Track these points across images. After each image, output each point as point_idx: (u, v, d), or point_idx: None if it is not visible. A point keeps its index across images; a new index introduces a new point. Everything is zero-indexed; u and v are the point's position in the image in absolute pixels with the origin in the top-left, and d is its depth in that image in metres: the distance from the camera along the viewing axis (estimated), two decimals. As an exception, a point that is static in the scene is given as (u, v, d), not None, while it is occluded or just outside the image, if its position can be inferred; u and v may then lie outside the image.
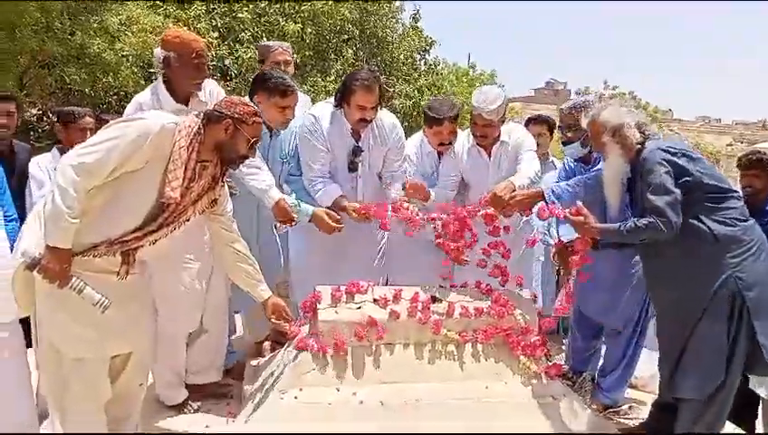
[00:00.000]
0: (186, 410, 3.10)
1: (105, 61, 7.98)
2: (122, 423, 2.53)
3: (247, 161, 2.64)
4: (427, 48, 15.33)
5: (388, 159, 3.60)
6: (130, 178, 2.22)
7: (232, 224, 2.67)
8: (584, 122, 2.88)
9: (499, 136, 3.67)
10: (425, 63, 15.55)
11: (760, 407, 3.20)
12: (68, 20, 7.82)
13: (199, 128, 2.33)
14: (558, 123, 3.73)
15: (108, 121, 3.70)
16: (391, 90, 12.55)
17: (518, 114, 21.25)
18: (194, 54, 2.95)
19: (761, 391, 3.06)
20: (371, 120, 3.42)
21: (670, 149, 2.57)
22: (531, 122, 4.92)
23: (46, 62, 8.41)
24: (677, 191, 2.51)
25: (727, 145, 34.64)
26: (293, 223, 3.26)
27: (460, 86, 21.33)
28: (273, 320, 2.75)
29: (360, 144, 3.49)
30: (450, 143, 3.73)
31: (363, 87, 3.28)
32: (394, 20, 14.01)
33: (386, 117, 3.56)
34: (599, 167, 3.12)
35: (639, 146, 2.67)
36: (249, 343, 3.74)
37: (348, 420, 2.52)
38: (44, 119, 10.82)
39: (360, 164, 3.53)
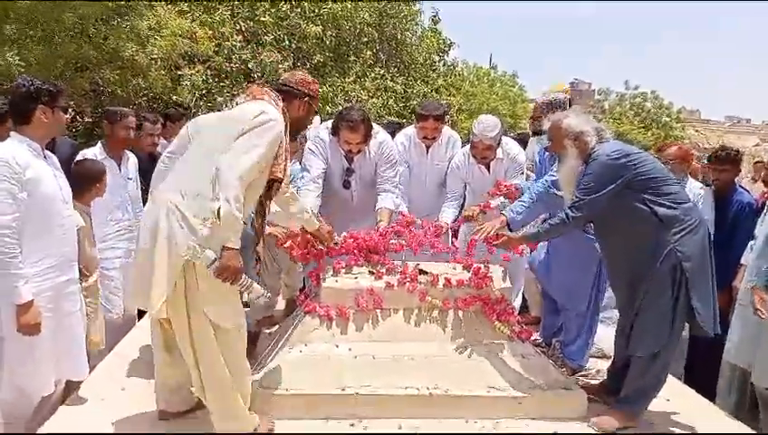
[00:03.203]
0: None
1: (136, 63, 8.42)
2: None
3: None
4: (446, 49, 15.66)
5: (380, 170, 4.14)
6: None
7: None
8: (546, 125, 3.25)
9: (496, 155, 4.22)
10: (443, 65, 15.89)
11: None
12: (102, 25, 8.29)
13: (283, 110, 2.73)
14: (530, 116, 4.22)
15: (149, 120, 4.29)
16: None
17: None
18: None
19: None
20: (359, 152, 3.98)
21: (613, 154, 2.92)
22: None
23: (80, 66, 8.89)
24: (602, 196, 2.87)
25: (754, 146, 34.37)
26: None
27: (480, 86, 21.65)
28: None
29: (352, 165, 4.09)
30: (434, 138, 4.27)
31: (348, 127, 3.85)
32: (413, 22, 14.37)
33: (371, 141, 4.04)
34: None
35: (592, 150, 3.01)
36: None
37: (343, 370, 2.98)
38: (77, 118, 11.41)
39: (352, 182, 4.14)
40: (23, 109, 2.76)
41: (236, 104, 3.40)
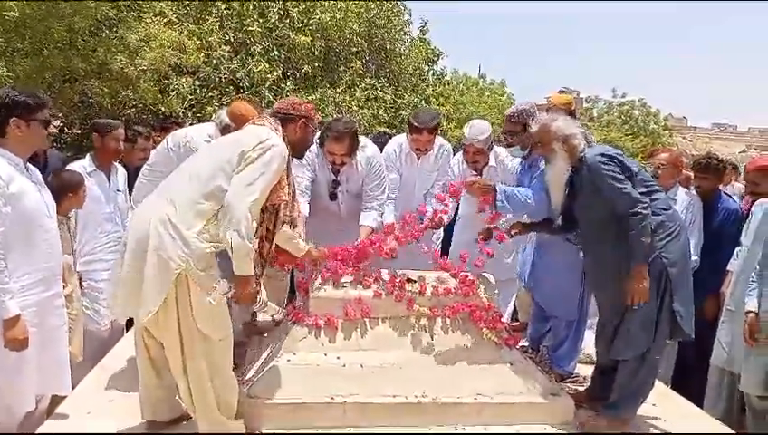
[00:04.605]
0: None
1: (125, 75, 8.40)
2: None
3: None
4: (435, 59, 15.76)
5: (366, 186, 4.16)
6: None
7: None
8: (534, 128, 3.27)
9: (488, 161, 4.22)
10: (432, 74, 15.98)
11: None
12: (90, 37, 8.28)
13: (283, 135, 2.78)
14: (501, 129, 4.25)
15: (141, 133, 4.30)
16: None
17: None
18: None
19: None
20: (343, 164, 3.99)
21: (607, 153, 2.98)
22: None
23: (69, 78, 8.87)
24: (628, 183, 2.90)
25: (740, 152, 34.76)
26: None
27: (469, 96, 21.78)
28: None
29: (338, 178, 4.11)
30: (426, 150, 4.28)
31: (332, 138, 3.88)
32: (402, 32, 14.45)
33: (360, 154, 4.08)
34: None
35: (581, 154, 3.06)
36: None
37: (332, 379, 2.98)
38: (66, 130, 11.36)
39: (339, 194, 4.16)
40: None
41: (219, 117, 3.45)
